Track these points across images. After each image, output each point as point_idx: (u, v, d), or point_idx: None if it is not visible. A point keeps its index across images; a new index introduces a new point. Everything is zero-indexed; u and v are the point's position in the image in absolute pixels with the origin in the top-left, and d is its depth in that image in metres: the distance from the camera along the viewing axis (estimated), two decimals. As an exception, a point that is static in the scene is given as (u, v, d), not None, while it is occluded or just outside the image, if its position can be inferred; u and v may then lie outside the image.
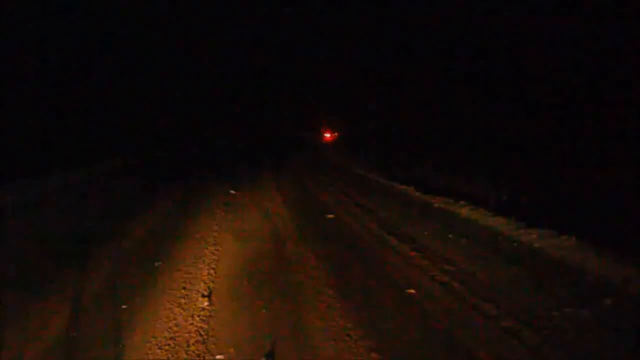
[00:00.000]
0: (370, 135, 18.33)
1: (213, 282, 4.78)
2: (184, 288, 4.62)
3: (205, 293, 4.47)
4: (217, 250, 5.89)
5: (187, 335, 3.65)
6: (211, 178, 13.08)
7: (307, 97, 27.84)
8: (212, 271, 5.09)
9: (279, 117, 32.93)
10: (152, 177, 14.15)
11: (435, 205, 8.49)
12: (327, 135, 22.28)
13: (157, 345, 3.50)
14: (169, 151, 22.87)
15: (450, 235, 6.35)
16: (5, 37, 12.74)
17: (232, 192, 10.26)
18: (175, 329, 3.76)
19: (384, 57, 17.25)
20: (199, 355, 3.36)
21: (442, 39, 12.76)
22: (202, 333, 3.68)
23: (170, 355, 3.37)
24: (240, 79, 35.48)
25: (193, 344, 3.51)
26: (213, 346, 3.48)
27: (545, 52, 8.87)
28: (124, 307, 4.17)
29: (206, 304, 4.22)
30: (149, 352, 3.41)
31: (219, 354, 3.37)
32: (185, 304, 4.24)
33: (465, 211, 7.71)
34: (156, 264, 5.39)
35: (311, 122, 25.74)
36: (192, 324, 3.84)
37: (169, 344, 3.51)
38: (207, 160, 19.72)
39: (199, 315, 3.99)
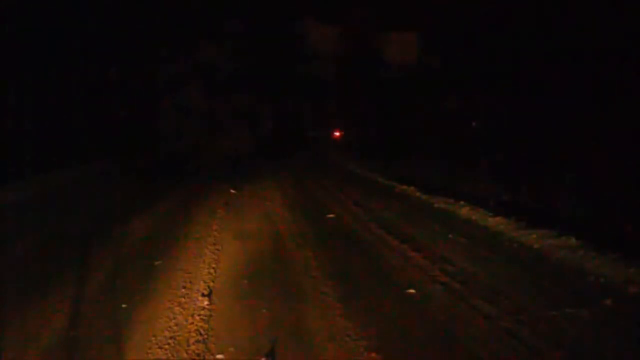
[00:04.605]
0: (372, 135, 18.37)
1: (213, 281, 4.78)
2: (184, 287, 4.62)
3: (206, 292, 4.46)
4: (217, 249, 5.89)
5: (187, 334, 3.65)
6: (212, 176, 13.06)
7: (315, 99, 28.08)
8: (212, 270, 5.09)
9: (288, 117, 33.24)
10: (152, 177, 14.15)
11: (436, 205, 8.48)
12: (337, 134, 24.99)
13: (157, 344, 3.50)
14: (172, 150, 22.90)
15: (450, 235, 6.34)
16: (5, 39, 12.74)
17: (232, 191, 10.27)
18: (175, 328, 3.76)
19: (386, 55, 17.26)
20: (199, 355, 3.35)
21: (442, 40, 12.77)
22: (202, 332, 3.68)
23: (170, 355, 3.36)
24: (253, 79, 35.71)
25: (193, 343, 3.51)
26: (213, 345, 3.48)
27: (545, 51, 8.87)
28: (124, 306, 4.17)
29: (206, 303, 4.22)
30: (149, 351, 3.40)
31: (219, 354, 3.37)
32: (185, 303, 4.24)
33: (465, 211, 7.71)
34: (156, 263, 5.39)
35: (319, 122, 27.21)
36: (192, 323, 3.84)
37: (169, 343, 3.51)
38: (207, 159, 19.71)
39: (199, 315, 3.99)
